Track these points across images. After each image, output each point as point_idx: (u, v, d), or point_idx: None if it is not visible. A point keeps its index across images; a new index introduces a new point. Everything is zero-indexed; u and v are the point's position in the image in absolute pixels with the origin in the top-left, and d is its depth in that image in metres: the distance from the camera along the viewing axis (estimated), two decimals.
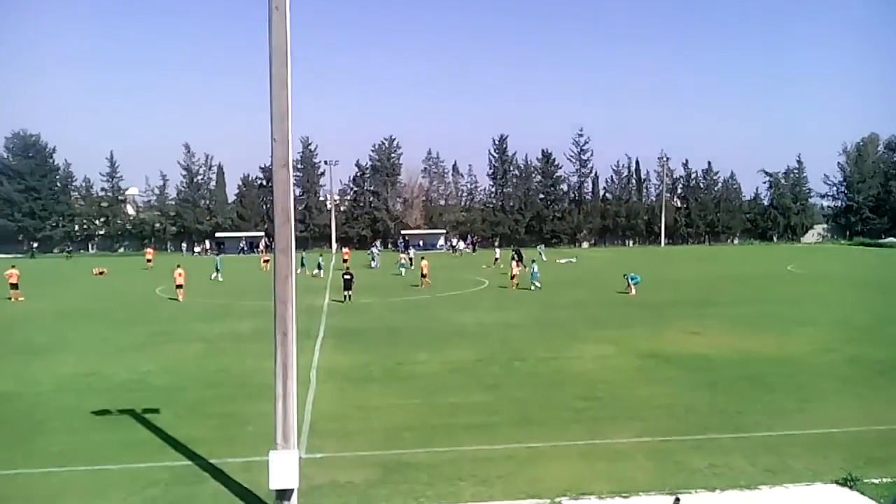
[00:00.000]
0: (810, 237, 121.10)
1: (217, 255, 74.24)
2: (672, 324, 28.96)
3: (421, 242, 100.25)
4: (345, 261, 61.47)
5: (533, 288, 42.89)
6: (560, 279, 51.34)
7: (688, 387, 18.61)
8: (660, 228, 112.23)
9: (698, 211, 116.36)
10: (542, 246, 76.99)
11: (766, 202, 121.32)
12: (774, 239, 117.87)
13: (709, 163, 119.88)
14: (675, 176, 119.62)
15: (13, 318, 33.25)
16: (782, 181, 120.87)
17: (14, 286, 40.39)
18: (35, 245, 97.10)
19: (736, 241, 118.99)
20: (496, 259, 65.27)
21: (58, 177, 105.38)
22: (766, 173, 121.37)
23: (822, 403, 16.84)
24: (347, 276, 38.89)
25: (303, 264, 59.38)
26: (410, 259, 63.31)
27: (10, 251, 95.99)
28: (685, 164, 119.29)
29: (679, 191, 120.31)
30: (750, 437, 14.36)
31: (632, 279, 40.38)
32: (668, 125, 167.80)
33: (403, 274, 55.46)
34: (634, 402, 17.14)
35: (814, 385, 18.65)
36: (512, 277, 45.46)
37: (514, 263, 47.60)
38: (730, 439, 14.20)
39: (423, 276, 47.02)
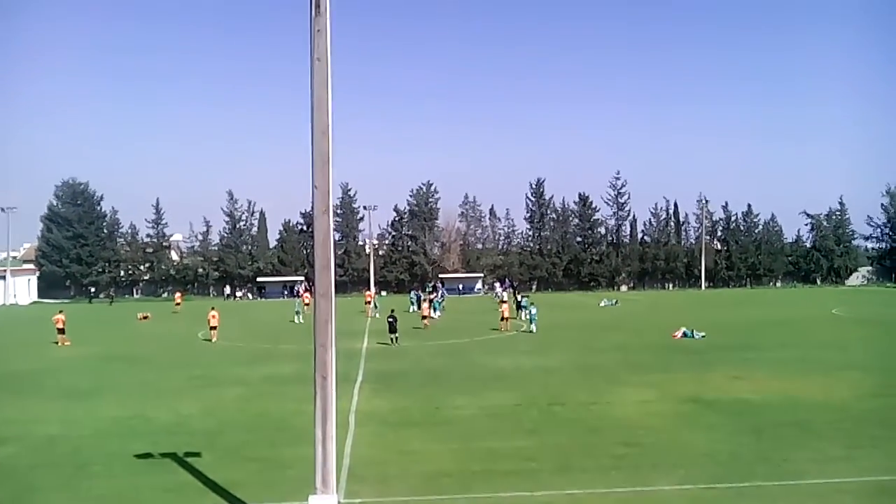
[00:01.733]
0: (855, 280, 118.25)
1: (296, 297, 73.11)
2: (714, 368, 28.49)
3: (460, 286, 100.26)
4: (367, 303, 61.78)
5: (528, 329, 42.96)
6: (599, 322, 50.92)
7: (731, 433, 18.27)
8: (700, 271, 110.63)
9: (739, 254, 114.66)
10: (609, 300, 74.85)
11: (808, 244, 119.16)
12: (818, 282, 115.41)
13: (749, 205, 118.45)
14: (714, 218, 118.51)
15: (60, 363, 33.87)
16: (824, 223, 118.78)
17: (61, 331, 41.20)
18: (92, 290, 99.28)
19: (778, 284, 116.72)
20: (503, 302, 64.23)
21: (105, 224, 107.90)
22: (808, 215, 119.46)
23: (871, 451, 16.41)
24: (391, 319, 39.02)
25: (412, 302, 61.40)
26: (412, 300, 62.55)
27: (57, 296, 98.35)
28: (725, 207, 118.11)
29: (719, 233, 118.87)
30: (797, 484, 14.03)
31: (692, 334, 39.33)
32: (707, 168, 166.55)
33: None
34: (677, 448, 16.87)
35: (862, 432, 18.18)
36: (503, 319, 45.21)
37: (504, 305, 47.49)
38: (776, 487, 13.90)
39: (423, 318, 47.57)
